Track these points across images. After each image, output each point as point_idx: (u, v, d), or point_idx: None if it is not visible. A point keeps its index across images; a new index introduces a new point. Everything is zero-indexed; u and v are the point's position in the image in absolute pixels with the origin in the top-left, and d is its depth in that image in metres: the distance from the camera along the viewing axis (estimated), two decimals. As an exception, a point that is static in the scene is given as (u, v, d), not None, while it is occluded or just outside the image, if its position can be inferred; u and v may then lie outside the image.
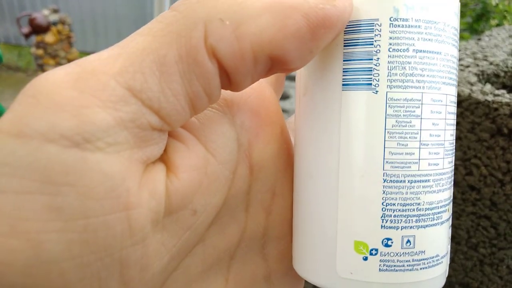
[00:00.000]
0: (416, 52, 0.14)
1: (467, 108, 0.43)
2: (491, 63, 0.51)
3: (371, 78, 0.15)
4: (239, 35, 0.13)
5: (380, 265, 0.15)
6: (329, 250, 0.16)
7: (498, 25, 1.60)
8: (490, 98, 0.41)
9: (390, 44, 0.14)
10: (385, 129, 0.15)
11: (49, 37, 2.17)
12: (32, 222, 0.11)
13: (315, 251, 0.16)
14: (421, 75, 0.15)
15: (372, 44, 0.15)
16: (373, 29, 0.15)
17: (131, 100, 0.12)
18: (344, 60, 0.15)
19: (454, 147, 0.16)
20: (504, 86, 0.52)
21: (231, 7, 0.13)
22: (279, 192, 0.18)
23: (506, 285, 0.45)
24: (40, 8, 2.61)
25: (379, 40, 0.15)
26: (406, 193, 0.15)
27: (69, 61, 2.31)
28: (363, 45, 0.15)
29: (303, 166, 0.17)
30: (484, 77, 0.49)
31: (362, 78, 0.15)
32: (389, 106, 0.15)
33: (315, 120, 0.16)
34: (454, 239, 0.48)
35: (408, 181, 0.15)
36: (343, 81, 0.15)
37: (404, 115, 0.15)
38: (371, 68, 0.15)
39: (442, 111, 0.15)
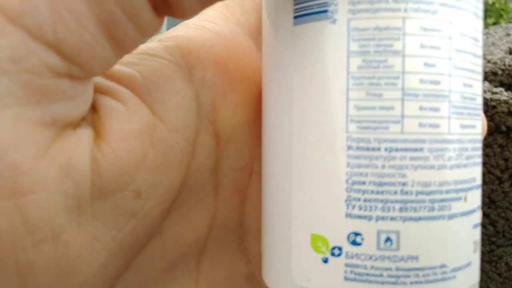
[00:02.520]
0: None
1: (465, 106, 0.43)
2: (488, 61, 0.51)
3: (327, 2, 0.10)
4: None
5: (345, 271, 0.10)
6: (284, 248, 0.11)
7: (494, 23, 1.60)
8: (488, 96, 0.41)
9: None
10: (347, 72, 0.10)
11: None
12: None
13: (271, 249, 0.12)
14: None
15: None
16: None
17: (8, 28, 0.08)
18: None
19: (477, 105, 0.11)
20: (501, 84, 0.52)
21: None
22: (258, 170, 0.13)
23: (505, 282, 0.45)
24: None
25: None
26: (383, 166, 0.10)
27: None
28: None
29: (263, 130, 0.12)
30: (482, 75, 0.50)
31: (315, 5, 0.10)
32: (352, 39, 0.10)
33: (269, 67, 0.12)
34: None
35: (386, 149, 0.10)
36: (294, 13, 0.11)
37: (375, 52, 0.10)
38: None
39: (442, 46, 0.10)
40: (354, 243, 0.10)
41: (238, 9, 0.11)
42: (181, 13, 0.09)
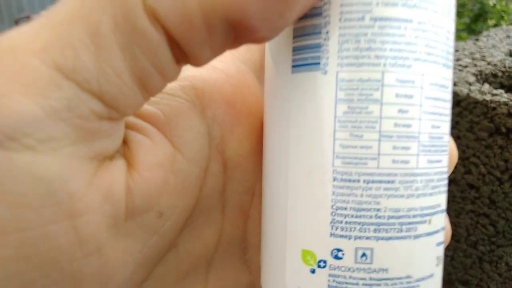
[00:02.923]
0: (375, 21, 0.11)
1: (465, 108, 0.43)
2: (489, 63, 0.52)
3: (320, 56, 0.12)
4: None
5: (329, 280, 0.12)
6: (280, 260, 0.13)
7: (495, 25, 1.60)
8: (488, 97, 0.42)
9: (342, 12, 0.11)
10: (335, 116, 0.12)
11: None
12: None
13: (269, 260, 0.14)
14: (381, 49, 0.11)
15: (321, 15, 0.12)
16: None
17: (63, 83, 0.09)
18: (294, 37, 0.12)
19: (444, 142, 0.13)
20: (502, 86, 0.52)
21: None
22: (259, 193, 0.16)
23: (505, 282, 0.45)
24: (39, 10, 2.60)
25: (328, 9, 0.12)
26: (361, 195, 0.12)
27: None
28: (311, 16, 0.12)
29: (264, 160, 0.14)
30: (482, 77, 0.50)
31: (310, 57, 0.12)
32: (340, 88, 0.12)
33: (270, 107, 0.14)
34: (454, 237, 0.49)
35: (364, 181, 0.12)
36: (292, 62, 0.12)
37: (358, 100, 0.11)
38: (320, 43, 0.12)
39: (414, 94, 0.12)
40: (336, 257, 0.12)
41: (244, 46, 0.12)
42: (198, 63, 0.11)
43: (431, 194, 0.13)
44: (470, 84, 0.45)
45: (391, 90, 0.12)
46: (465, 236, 0.47)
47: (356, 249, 0.12)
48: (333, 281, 0.12)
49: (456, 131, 0.45)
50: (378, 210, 0.12)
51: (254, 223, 0.16)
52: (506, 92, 0.43)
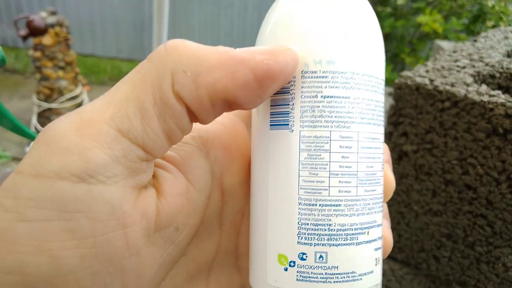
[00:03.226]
0: (324, 98, 0.17)
1: (463, 109, 0.44)
2: (486, 64, 0.52)
3: (288, 119, 0.18)
4: (198, 84, 0.16)
5: (297, 275, 0.17)
6: (262, 262, 0.19)
7: (494, 26, 1.60)
8: (485, 98, 0.42)
9: (302, 92, 0.17)
10: (299, 160, 0.17)
11: (46, 40, 2.17)
12: (53, 243, 0.14)
13: (255, 263, 0.19)
14: (329, 116, 0.17)
15: (289, 92, 0.18)
16: (289, 80, 0.18)
17: (122, 139, 0.15)
18: (271, 105, 0.18)
19: (377, 177, 0.18)
20: (499, 87, 0.53)
21: (192, 61, 0.16)
22: (247, 213, 0.21)
23: (503, 283, 0.46)
24: (38, 11, 2.61)
25: (294, 89, 0.18)
26: (318, 215, 0.17)
27: (67, 63, 2.31)
28: (283, 93, 0.18)
29: (251, 188, 0.20)
30: (480, 78, 0.50)
31: (282, 120, 0.18)
32: (302, 142, 0.17)
33: (255, 151, 0.19)
34: (451, 237, 0.49)
35: (320, 205, 0.17)
36: (270, 123, 0.18)
37: (314, 149, 0.17)
38: (288, 111, 0.18)
39: (352, 145, 0.17)
40: (302, 259, 0.17)
41: None
42: (205, 123, 0.18)
43: (368, 213, 0.18)
44: (467, 85, 0.45)
45: (336, 143, 0.17)
46: (463, 237, 0.48)
47: (315, 253, 0.17)
48: (300, 276, 0.17)
49: (454, 132, 0.45)
50: (329, 225, 0.17)
51: (244, 237, 0.21)
52: (503, 93, 0.43)
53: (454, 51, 0.58)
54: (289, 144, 0.18)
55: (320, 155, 0.17)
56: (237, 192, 0.21)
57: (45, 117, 2.31)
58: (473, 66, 0.51)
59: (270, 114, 0.18)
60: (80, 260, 0.15)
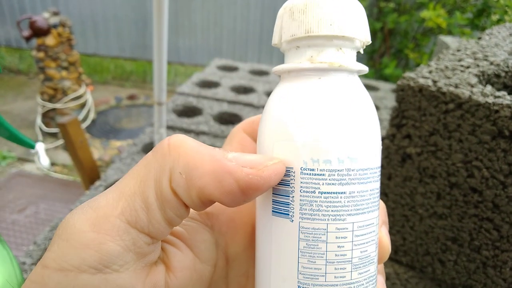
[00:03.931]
0: (321, 194, 0.19)
1: (467, 111, 0.42)
2: (491, 63, 0.50)
3: (289, 210, 0.19)
4: (190, 186, 0.18)
5: None
6: None
7: (499, 20, 1.58)
8: (490, 100, 0.41)
9: (301, 187, 0.19)
10: (298, 249, 0.19)
11: (49, 40, 2.17)
12: None
13: None
14: (326, 210, 0.18)
15: (289, 185, 0.19)
16: (289, 174, 0.19)
17: (131, 230, 0.18)
18: (273, 193, 0.20)
19: (371, 258, 0.20)
20: (505, 86, 0.51)
21: (188, 165, 0.18)
22: (251, 275, 0.24)
23: (510, 287, 0.45)
24: (41, 11, 2.61)
25: (293, 183, 0.19)
26: None
27: (70, 63, 2.31)
28: (283, 185, 0.19)
29: (256, 259, 0.22)
30: (485, 78, 0.49)
31: (283, 209, 0.19)
32: (301, 232, 0.19)
33: (260, 234, 0.21)
34: (457, 241, 0.48)
35: None
36: (272, 209, 0.20)
37: (312, 240, 0.19)
38: (289, 202, 0.19)
39: (347, 236, 0.19)
40: None
41: None
42: (196, 210, 0.20)
43: None
44: (472, 86, 0.44)
45: (332, 235, 0.19)
46: (468, 241, 0.47)
47: None
48: None
49: (458, 134, 0.44)
50: None
51: None
52: (509, 93, 0.42)
53: (458, 50, 0.57)
54: (289, 232, 0.19)
55: (318, 245, 0.19)
56: (241, 258, 0.23)
57: (49, 117, 2.31)
58: (478, 66, 0.50)
59: (272, 201, 0.20)
60: None
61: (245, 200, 0.19)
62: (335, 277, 0.19)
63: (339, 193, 0.19)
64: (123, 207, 0.18)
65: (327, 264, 0.19)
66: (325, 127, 0.19)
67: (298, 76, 0.20)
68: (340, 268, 0.19)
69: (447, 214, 0.48)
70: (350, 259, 0.19)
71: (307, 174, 0.19)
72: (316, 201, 0.19)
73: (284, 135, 0.20)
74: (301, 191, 0.19)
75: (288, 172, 0.19)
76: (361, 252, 0.19)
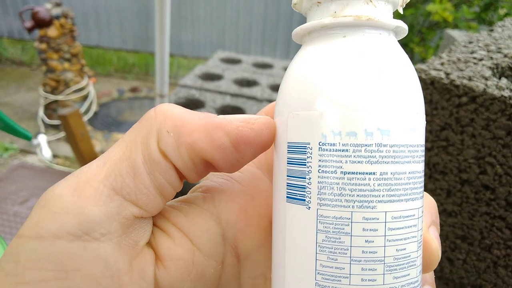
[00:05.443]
0: (344, 174, 0.15)
1: (481, 104, 0.41)
2: (505, 56, 0.49)
3: (305, 195, 0.16)
4: (179, 144, 0.17)
5: None
6: None
7: (507, 14, 1.55)
8: (506, 93, 0.39)
9: (319, 166, 0.15)
10: (316, 242, 0.15)
11: (52, 31, 2.15)
12: None
13: None
14: (350, 195, 0.15)
15: (305, 165, 0.16)
16: (305, 151, 0.16)
17: (115, 197, 0.16)
18: (287, 176, 0.17)
19: (412, 259, 0.16)
20: (520, 80, 0.49)
21: (175, 123, 0.17)
22: (270, 277, 0.20)
23: (521, 288, 0.43)
24: (43, 2, 2.59)
25: (311, 162, 0.16)
26: None
27: (73, 55, 2.30)
28: (299, 164, 0.16)
29: (272, 259, 0.19)
30: (499, 71, 0.47)
31: (298, 194, 0.16)
32: (319, 222, 0.15)
33: (274, 225, 0.18)
34: (467, 239, 0.46)
35: None
36: (286, 194, 0.16)
37: (333, 232, 0.15)
38: (305, 185, 0.16)
39: (378, 228, 0.15)
40: None
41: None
42: (191, 181, 0.18)
43: None
44: (486, 78, 0.42)
45: (359, 226, 0.15)
46: (479, 239, 0.45)
47: None
48: None
49: (471, 129, 0.42)
50: None
51: None
52: (524, 87, 0.40)
53: (470, 42, 0.55)
54: (305, 222, 0.16)
55: (340, 238, 0.15)
56: (255, 255, 0.20)
57: (51, 109, 2.30)
58: (491, 58, 0.48)
59: (287, 185, 0.17)
60: None
61: (238, 157, 0.17)
62: (362, 279, 0.15)
63: (367, 173, 0.15)
64: (107, 172, 0.16)
65: (351, 262, 0.15)
66: (348, 92, 0.16)
67: (320, 36, 0.17)
68: (369, 269, 0.15)
69: (457, 211, 0.46)
70: (382, 259, 0.15)
71: (327, 150, 0.15)
72: (338, 184, 0.15)
73: (301, 103, 0.16)
74: (320, 171, 0.15)
75: (303, 149, 0.16)
76: (397, 250, 0.15)
